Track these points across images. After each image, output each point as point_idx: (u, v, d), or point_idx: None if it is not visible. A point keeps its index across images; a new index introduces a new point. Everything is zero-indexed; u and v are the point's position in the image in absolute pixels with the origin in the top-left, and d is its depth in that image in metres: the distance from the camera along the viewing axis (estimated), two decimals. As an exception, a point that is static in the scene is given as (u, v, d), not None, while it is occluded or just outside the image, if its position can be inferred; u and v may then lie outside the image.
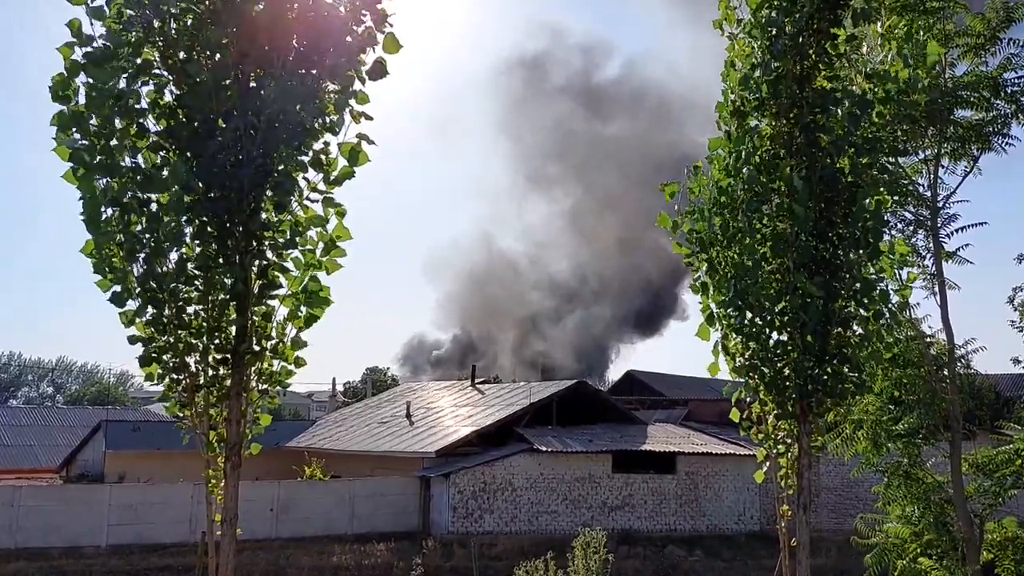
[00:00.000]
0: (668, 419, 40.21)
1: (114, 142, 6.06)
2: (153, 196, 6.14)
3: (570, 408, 36.75)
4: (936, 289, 10.44)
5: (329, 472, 34.91)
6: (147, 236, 6.12)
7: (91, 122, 6.05)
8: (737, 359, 8.05)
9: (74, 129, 6.03)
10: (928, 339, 10.83)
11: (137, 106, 6.16)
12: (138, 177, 6.08)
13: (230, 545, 6.51)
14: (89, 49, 6.03)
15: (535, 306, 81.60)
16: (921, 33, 7.84)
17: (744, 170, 7.58)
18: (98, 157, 6.03)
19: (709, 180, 7.91)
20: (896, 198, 9.75)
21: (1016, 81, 10.28)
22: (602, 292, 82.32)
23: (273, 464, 34.67)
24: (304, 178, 6.56)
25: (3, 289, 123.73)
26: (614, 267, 79.49)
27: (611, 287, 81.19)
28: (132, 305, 6.26)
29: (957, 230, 10.49)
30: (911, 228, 10.53)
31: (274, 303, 6.69)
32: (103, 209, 6.09)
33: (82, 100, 6.07)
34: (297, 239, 6.56)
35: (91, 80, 6.01)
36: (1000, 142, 10.53)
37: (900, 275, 8.76)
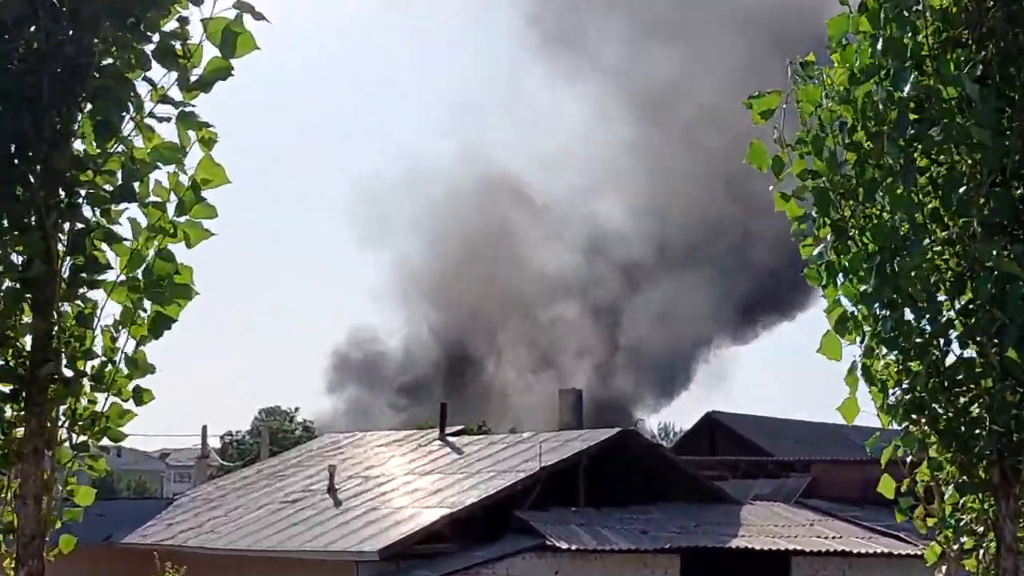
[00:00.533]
0: (777, 495, 40.28)
1: None
2: None
3: (610, 476, 36.80)
4: None
5: (198, 587, 35.02)
6: None
7: None
8: (891, 392, 8.06)
9: None
10: None
11: None
12: None
13: None
14: None
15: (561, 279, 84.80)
16: None
17: (895, 68, 7.56)
18: None
19: (832, 86, 7.91)
20: None
21: None
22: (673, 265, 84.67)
23: (101, 572, 34.63)
24: (146, 79, 6.56)
25: None
26: (700, 225, 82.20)
27: (693, 260, 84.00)
28: None
29: None
30: None
31: (97, 295, 6.70)
32: None
33: None
34: (136, 186, 6.56)
35: None
36: None
37: None
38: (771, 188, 8.22)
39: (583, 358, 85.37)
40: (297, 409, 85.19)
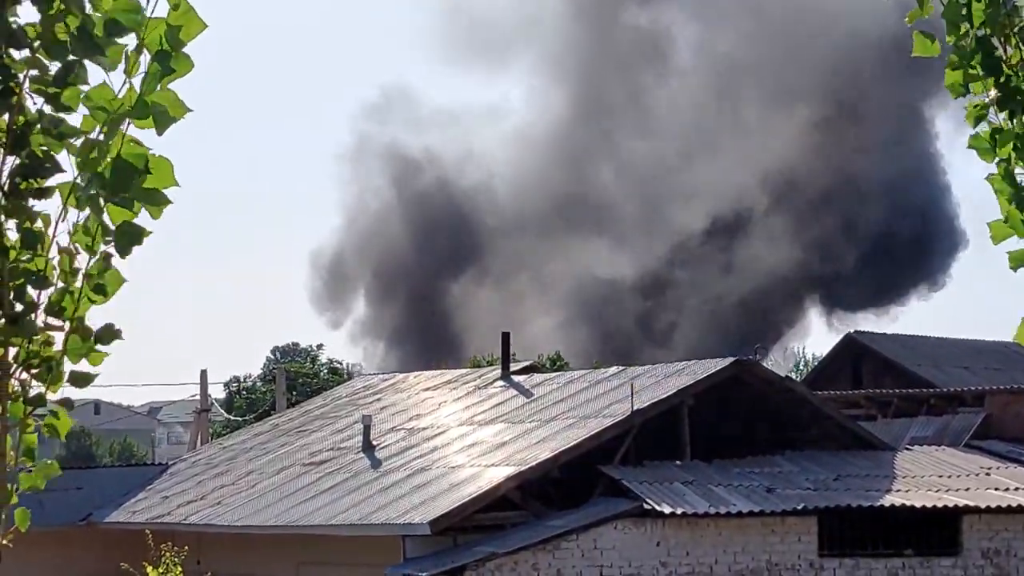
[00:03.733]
0: (942, 436, 40.22)
1: None
2: None
3: (724, 419, 36.88)
4: None
5: (202, 573, 35.50)
6: None
7: None
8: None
9: None
10: None
11: None
12: None
13: None
14: None
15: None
16: None
17: None
18: None
19: None
20: None
21: None
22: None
23: (80, 558, 35.22)
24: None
25: None
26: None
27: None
28: None
29: None
30: None
31: (48, 206, 6.72)
32: None
33: None
34: (90, 59, 6.56)
35: None
36: None
37: None
38: (907, 21, 8.10)
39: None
40: (320, 347, 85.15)
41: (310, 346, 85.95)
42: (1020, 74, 7.81)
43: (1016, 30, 7.77)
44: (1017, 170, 8.10)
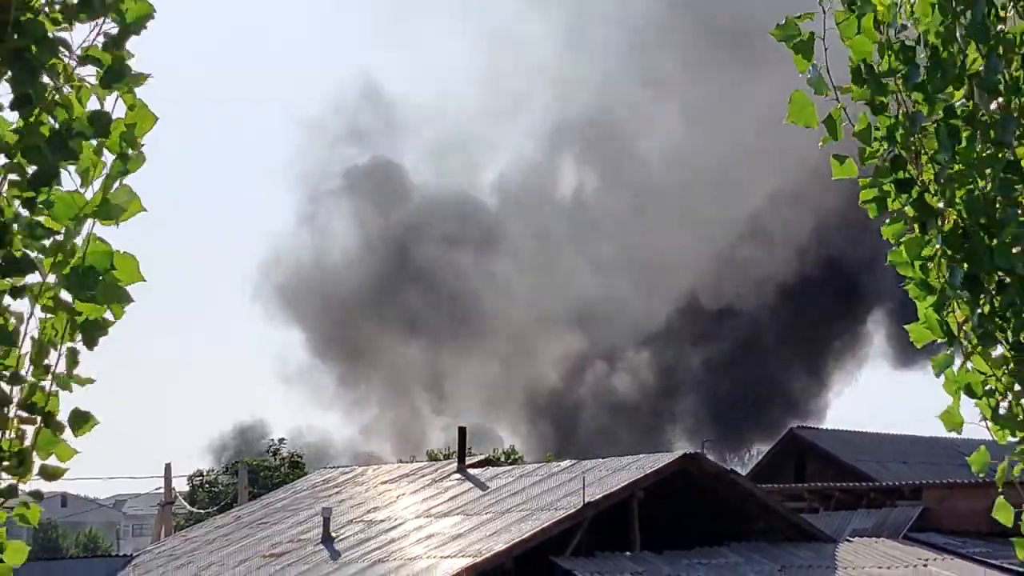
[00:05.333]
0: (881, 528, 40.37)
1: None
2: None
3: (671, 511, 36.96)
4: None
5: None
6: None
7: None
8: (1003, 396, 8.09)
9: None
10: None
11: None
12: None
13: None
14: None
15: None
16: None
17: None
18: None
19: (893, 15, 7.96)
20: None
21: None
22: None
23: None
24: (62, 40, 6.66)
25: None
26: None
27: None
28: None
29: None
30: None
31: (20, 304, 6.80)
32: None
33: None
34: (63, 162, 6.66)
35: None
36: None
37: None
38: (820, 146, 8.23)
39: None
40: (282, 440, 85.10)
41: (272, 440, 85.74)
42: (931, 190, 7.98)
43: (927, 149, 7.94)
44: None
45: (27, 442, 7.05)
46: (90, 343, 6.93)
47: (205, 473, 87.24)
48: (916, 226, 8.03)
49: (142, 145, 6.69)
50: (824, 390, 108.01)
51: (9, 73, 6.69)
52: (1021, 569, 34.95)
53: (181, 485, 72.85)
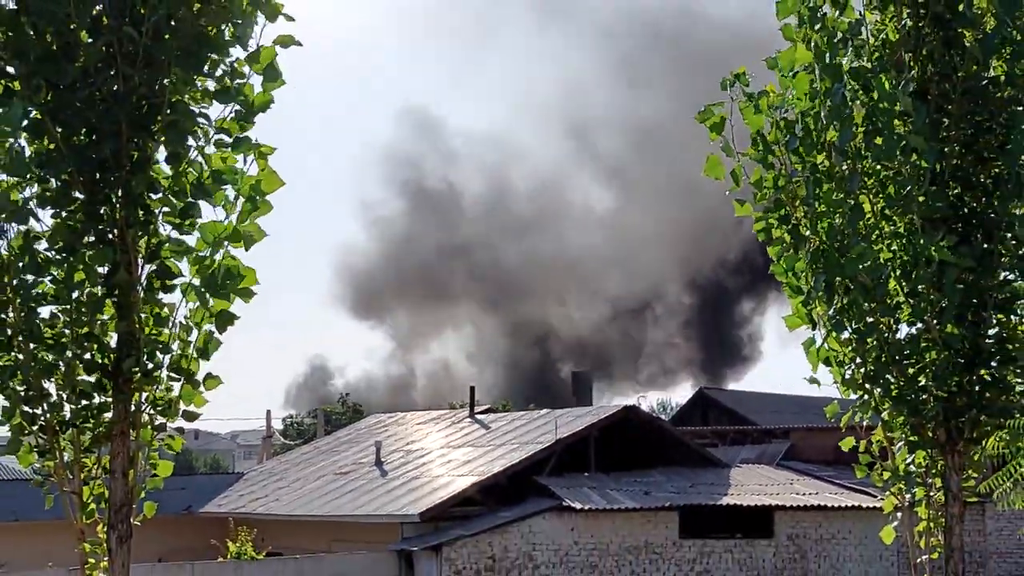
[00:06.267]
0: (760, 458, 40.22)
1: None
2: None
3: (617, 446, 36.79)
4: None
5: (265, 547, 35.07)
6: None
7: None
8: (847, 367, 8.10)
9: None
10: None
11: None
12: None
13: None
14: None
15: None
16: None
17: (839, 92, 7.62)
18: None
19: (779, 102, 7.96)
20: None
21: None
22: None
23: (183, 537, 34.72)
24: (203, 115, 6.63)
25: None
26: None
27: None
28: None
29: None
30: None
31: (172, 297, 6.79)
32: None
33: None
34: (203, 202, 6.65)
35: None
36: None
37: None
38: (727, 193, 8.24)
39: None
40: (347, 394, 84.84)
41: (341, 393, 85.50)
42: (802, 224, 7.99)
43: (799, 195, 7.95)
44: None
45: (174, 394, 7.05)
46: (221, 328, 6.92)
47: (294, 415, 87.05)
48: (791, 248, 8.06)
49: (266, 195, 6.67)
50: (732, 361, 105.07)
51: (164, 137, 6.67)
52: (855, 486, 34.90)
53: (277, 424, 72.66)
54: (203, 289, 6.79)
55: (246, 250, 6.79)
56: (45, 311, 6.60)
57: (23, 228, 6.49)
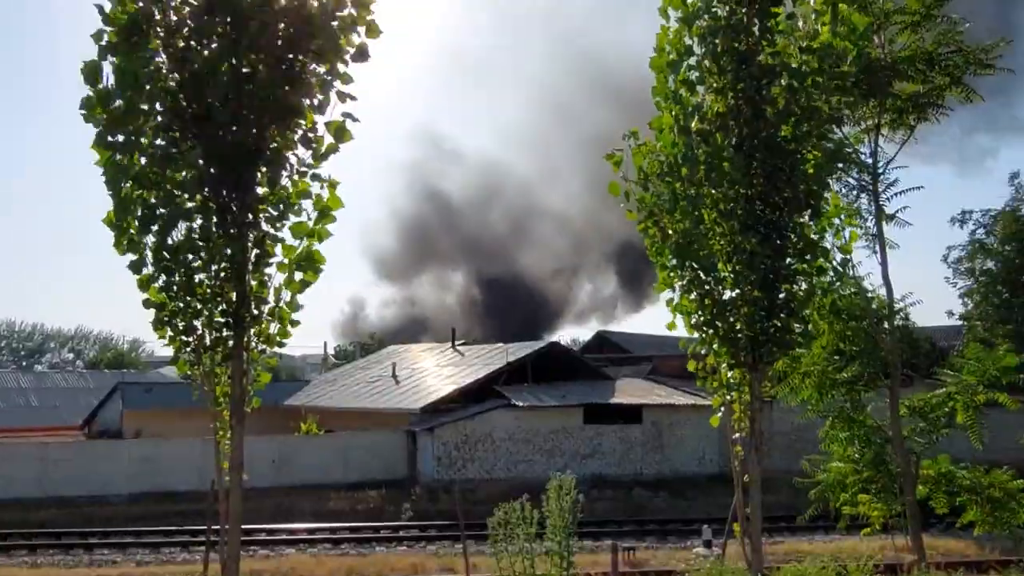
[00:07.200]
0: (635, 374, 40.55)
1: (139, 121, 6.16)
2: (167, 173, 6.26)
3: (544, 367, 37.03)
4: (877, 248, 10.75)
5: (324, 427, 35.12)
6: (161, 210, 6.25)
7: (117, 102, 6.16)
8: (692, 316, 8.22)
9: (100, 109, 6.16)
10: (869, 294, 11.12)
11: (155, 88, 6.22)
12: (157, 155, 6.20)
13: (237, 490, 6.67)
14: (111, 29, 6.14)
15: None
16: (846, 6, 7.96)
17: (689, 144, 7.71)
18: (120, 136, 6.17)
19: (655, 149, 8.04)
20: (841, 165, 9.94)
21: (949, 55, 10.51)
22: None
23: (273, 421, 34.84)
24: (294, 155, 6.64)
25: (27, 264, 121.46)
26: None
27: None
28: (146, 272, 6.44)
29: (896, 194, 10.83)
30: (855, 192, 10.81)
31: (270, 271, 6.79)
32: (123, 184, 6.22)
33: (109, 82, 6.17)
34: (290, 211, 6.66)
35: (118, 63, 6.11)
36: (935, 112, 10.79)
37: (844, 235, 8.97)
38: (621, 205, 8.31)
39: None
40: (374, 335, 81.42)
41: (371, 334, 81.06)
42: (668, 226, 8.07)
43: (667, 206, 8.03)
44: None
45: (272, 331, 7.06)
46: (301, 291, 6.89)
47: (339, 345, 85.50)
48: (660, 240, 8.13)
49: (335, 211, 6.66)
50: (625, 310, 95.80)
51: (264, 170, 6.65)
52: (695, 391, 35.25)
53: (331, 350, 72.02)
54: (292, 266, 6.82)
55: (319, 241, 6.82)
56: (197, 277, 6.61)
57: (186, 225, 6.50)
